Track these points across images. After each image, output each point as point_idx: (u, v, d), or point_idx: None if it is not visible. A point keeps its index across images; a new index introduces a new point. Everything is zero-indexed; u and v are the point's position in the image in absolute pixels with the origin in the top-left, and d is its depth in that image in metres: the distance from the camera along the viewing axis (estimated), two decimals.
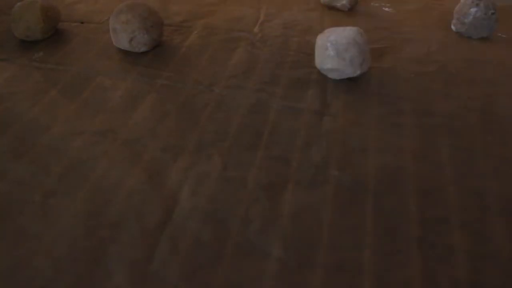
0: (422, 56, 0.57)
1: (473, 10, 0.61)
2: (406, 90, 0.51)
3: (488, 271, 0.32)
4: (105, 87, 0.50)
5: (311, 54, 0.57)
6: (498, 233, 0.35)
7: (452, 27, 0.65)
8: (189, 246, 0.33)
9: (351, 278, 0.32)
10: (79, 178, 0.39)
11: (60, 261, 0.32)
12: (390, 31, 0.64)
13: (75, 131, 0.44)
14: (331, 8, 0.70)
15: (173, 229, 0.35)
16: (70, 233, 0.34)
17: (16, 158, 0.41)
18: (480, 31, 0.61)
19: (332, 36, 0.50)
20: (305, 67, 0.55)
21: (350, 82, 0.51)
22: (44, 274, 0.31)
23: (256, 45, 0.59)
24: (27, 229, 0.34)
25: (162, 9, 0.68)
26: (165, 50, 0.57)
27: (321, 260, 0.33)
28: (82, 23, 0.64)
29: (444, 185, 0.39)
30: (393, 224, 0.35)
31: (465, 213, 0.36)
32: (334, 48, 0.49)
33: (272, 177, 0.39)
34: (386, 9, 0.71)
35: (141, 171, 0.40)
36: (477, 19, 0.61)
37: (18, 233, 0.34)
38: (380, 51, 0.58)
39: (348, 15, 0.68)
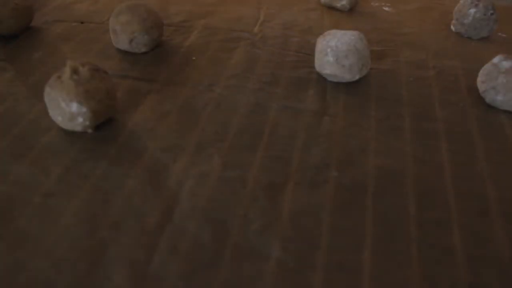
0: (422, 59, 0.57)
1: (472, 10, 0.61)
2: (405, 93, 0.51)
3: (487, 273, 0.32)
4: None
5: (311, 54, 0.57)
6: (497, 235, 0.35)
7: (452, 27, 0.65)
8: (188, 247, 0.33)
9: (350, 279, 0.32)
10: (79, 179, 0.39)
11: (60, 261, 0.32)
12: (390, 32, 0.64)
13: (75, 132, 0.44)
14: (331, 8, 0.70)
15: (172, 229, 0.35)
16: (70, 233, 0.34)
17: (15, 158, 0.41)
18: (480, 31, 0.62)
19: (332, 41, 0.50)
20: (305, 67, 0.55)
21: (350, 83, 0.51)
22: (44, 275, 0.31)
23: (256, 45, 0.59)
24: (27, 230, 0.34)
25: (162, 9, 0.68)
26: (165, 50, 0.57)
27: (321, 260, 0.33)
28: (82, 23, 0.64)
29: (443, 188, 0.39)
30: (392, 225, 0.35)
31: (464, 215, 0.36)
32: (334, 54, 0.49)
33: (272, 177, 0.39)
34: (386, 8, 0.71)
35: (141, 171, 0.40)
36: (476, 20, 0.61)
37: (17, 234, 0.34)
38: (380, 53, 0.58)
39: (348, 15, 0.68)
